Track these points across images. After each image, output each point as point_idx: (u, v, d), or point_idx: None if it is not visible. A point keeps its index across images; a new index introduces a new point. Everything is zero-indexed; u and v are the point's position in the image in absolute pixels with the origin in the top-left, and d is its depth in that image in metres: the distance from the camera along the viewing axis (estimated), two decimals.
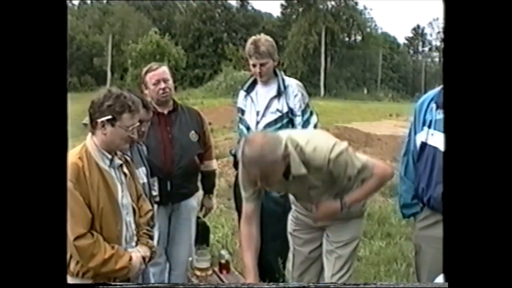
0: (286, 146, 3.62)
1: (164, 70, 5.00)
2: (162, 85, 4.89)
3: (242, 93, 5.34)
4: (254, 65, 5.05)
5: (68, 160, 3.10)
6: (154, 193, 4.66)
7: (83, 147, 3.50)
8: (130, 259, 3.51)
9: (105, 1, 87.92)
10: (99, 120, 3.45)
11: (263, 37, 5.13)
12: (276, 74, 5.13)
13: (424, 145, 3.81)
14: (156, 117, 4.93)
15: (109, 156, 3.55)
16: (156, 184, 4.73)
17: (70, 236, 3.25)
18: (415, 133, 3.94)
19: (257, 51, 4.97)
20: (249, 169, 3.63)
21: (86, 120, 3.61)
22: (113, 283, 3.27)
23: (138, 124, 3.61)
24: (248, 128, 5.13)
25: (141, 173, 4.31)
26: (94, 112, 3.48)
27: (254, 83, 5.25)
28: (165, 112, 5.00)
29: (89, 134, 3.55)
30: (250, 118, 5.17)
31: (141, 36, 54.75)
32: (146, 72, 4.96)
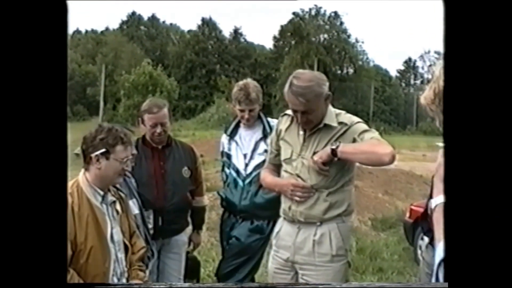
0: (328, 88, 3.86)
1: (164, 114, 4.90)
2: (159, 129, 4.85)
3: (225, 138, 5.31)
4: (242, 111, 5.04)
5: None
6: (149, 226, 4.65)
7: (74, 183, 3.47)
8: None
9: (98, 31, 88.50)
10: (93, 155, 3.44)
11: (251, 82, 5.11)
12: (259, 117, 5.16)
13: None
14: (150, 151, 4.93)
15: (101, 193, 3.51)
16: (151, 217, 4.71)
17: None
18: None
19: (247, 97, 4.95)
20: (294, 100, 3.75)
21: (78, 150, 3.60)
22: (113, 283, 3.26)
23: (131, 156, 3.62)
24: (237, 171, 5.11)
25: (132, 205, 4.29)
26: (87, 147, 3.47)
27: (237, 126, 5.24)
28: (159, 146, 4.99)
29: (82, 170, 3.53)
30: (238, 161, 5.14)
31: (134, 67, 54.92)
32: (145, 112, 4.92)
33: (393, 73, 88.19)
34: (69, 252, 3.31)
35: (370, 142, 3.76)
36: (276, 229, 4.26)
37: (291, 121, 4.05)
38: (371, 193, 13.63)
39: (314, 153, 3.86)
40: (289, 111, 4.05)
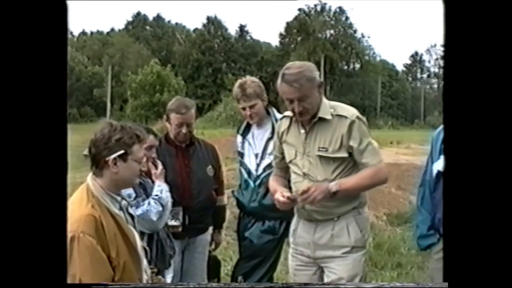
0: (319, 77, 3.92)
1: (191, 115, 4.88)
2: (184, 129, 4.81)
3: (239, 138, 5.28)
4: (243, 109, 5.00)
5: (78, 211, 2.88)
6: (175, 223, 4.58)
7: (88, 193, 3.04)
8: None
9: (104, 32, 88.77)
10: (111, 158, 3.03)
11: (249, 79, 5.11)
12: (269, 113, 5.10)
13: (440, 174, 3.74)
14: (174, 149, 4.91)
15: (118, 199, 3.15)
16: (180, 213, 4.66)
17: None
18: (432, 163, 3.90)
19: (244, 93, 4.92)
20: (289, 88, 3.78)
21: (86, 151, 3.22)
22: (113, 284, 3.06)
23: (146, 153, 3.45)
24: (249, 172, 5.07)
25: (154, 205, 4.18)
26: (100, 150, 3.05)
27: (249, 125, 5.18)
28: (183, 145, 4.95)
29: (90, 176, 3.11)
30: (249, 161, 5.11)
31: (141, 67, 55.09)
32: (172, 111, 4.85)
33: (400, 67, 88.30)
34: (111, 273, 2.94)
35: (369, 175, 3.88)
36: (292, 227, 4.24)
37: (290, 122, 4.07)
38: (384, 188, 13.55)
39: (319, 148, 3.89)
40: (287, 113, 4.07)
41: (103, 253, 2.88)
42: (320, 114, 3.87)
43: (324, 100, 3.93)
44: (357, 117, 3.89)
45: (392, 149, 26.50)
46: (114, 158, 3.02)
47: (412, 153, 22.29)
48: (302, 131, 3.96)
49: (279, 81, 3.82)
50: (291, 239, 4.25)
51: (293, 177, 4.09)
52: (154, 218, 4.09)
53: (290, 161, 4.07)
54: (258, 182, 4.99)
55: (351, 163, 3.90)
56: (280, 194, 3.90)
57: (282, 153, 4.16)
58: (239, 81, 5.11)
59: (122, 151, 3.04)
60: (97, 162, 3.05)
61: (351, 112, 3.91)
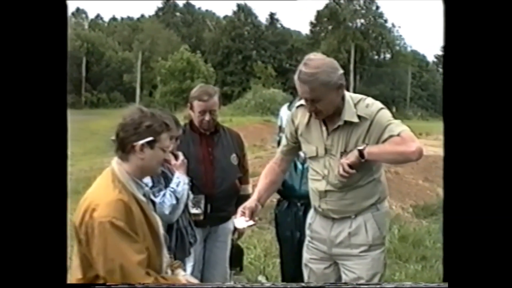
0: (342, 77, 3.67)
1: (214, 102, 4.82)
2: (207, 117, 4.77)
3: (285, 112, 5.26)
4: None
5: (106, 197, 2.92)
6: (197, 211, 4.57)
7: (114, 178, 3.06)
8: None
9: (134, 18, 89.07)
10: (139, 143, 3.04)
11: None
12: None
13: None
14: (198, 136, 4.87)
15: (143, 185, 3.19)
16: (202, 201, 4.63)
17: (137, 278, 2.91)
18: None
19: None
20: (302, 88, 3.63)
21: (115, 136, 3.25)
22: (113, 284, 3.08)
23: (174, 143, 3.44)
24: None
25: (169, 195, 4.19)
26: (129, 135, 3.06)
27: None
28: (207, 133, 4.92)
29: (116, 161, 3.13)
30: None
31: (171, 53, 55.27)
32: (195, 98, 4.84)
33: (431, 58, 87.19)
34: (145, 254, 2.99)
35: (396, 141, 3.63)
36: (308, 220, 4.16)
37: (310, 116, 3.88)
38: (411, 180, 13.48)
39: (341, 153, 3.74)
40: (304, 101, 3.88)
41: (136, 235, 2.93)
42: (346, 117, 3.69)
43: (348, 98, 3.74)
44: (377, 113, 3.71)
45: (420, 140, 26.11)
46: (142, 144, 3.03)
47: (440, 145, 21.89)
48: (324, 128, 3.81)
49: (296, 75, 3.66)
50: (307, 232, 4.17)
51: (311, 173, 3.99)
52: (167, 212, 4.07)
53: (311, 157, 3.94)
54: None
55: (368, 166, 3.78)
56: (240, 212, 3.89)
57: (296, 143, 4.03)
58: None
59: (151, 138, 3.05)
60: (124, 147, 3.07)
61: (372, 109, 3.73)
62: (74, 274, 2.96)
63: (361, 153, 3.63)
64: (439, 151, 17.66)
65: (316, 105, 3.65)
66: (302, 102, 3.89)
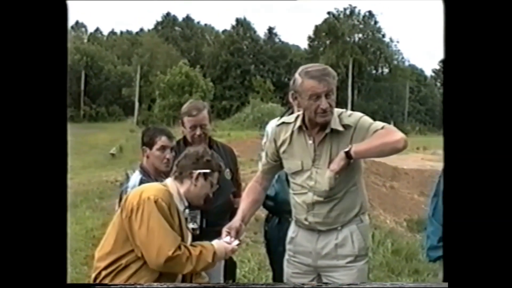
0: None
1: (203, 116, 4.87)
2: (198, 131, 4.80)
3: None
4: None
5: (156, 186, 3.64)
6: (193, 225, 4.63)
7: (165, 186, 3.69)
8: (215, 251, 3.69)
9: (133, 32, 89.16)
10: (199, 172, 3.69)
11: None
12: None
13: None
14: None
15: (186, 204, 3.76)
16: (198, 217, 4.68)
17: (167, 253, 3.41)
18: None
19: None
20: (317, 84, 3.67)
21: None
22: (113, 284, 3.27)
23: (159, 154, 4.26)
24: None
25: None
26: (189, 163, 3.71)
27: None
28: None
29: (172, 179, 3.76)
30: None
31: (169, 67, 55.24)
32: (185, 114, 4.91)
33: (429, 72, 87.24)
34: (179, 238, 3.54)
35: (379, 134, 3.68)
36: (290, 234, 4.14)
37: (292, 132, 3.91)
38: (407, 194, 13.53)
39: (328, 163, 3.75)
40: (286, 118, 4.00)
41: (171, 221, 3.50)
42: (333, 126, 3.75)
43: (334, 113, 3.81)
44: (359, 120, 3.78)
45: (418, 155, 26.29)
46: (200, 173, 3.70)
47: (438, 159, 21.99)
48: (310, 142, 3.84)
49: (300, 80, 3.73)
50: (288, 246, 4.14)
51: (294, 188, 3.99)
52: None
53: (295, 172, 3.94)
54: None
55: (350, 173, 3.82)
56: (225, 233, 3.92)
57: (277, 161, 4.05)
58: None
59: (209, 170, 3.72)
60: (183, 171, 3.72)
61: (355, 117, 3.81)
62: (104, 248, 3.56)
63: (348, 154, 3.65)
64: (436, 165, 17.74)
65: (329, 100, 3.68)
66: (283, 119, 4.01)
